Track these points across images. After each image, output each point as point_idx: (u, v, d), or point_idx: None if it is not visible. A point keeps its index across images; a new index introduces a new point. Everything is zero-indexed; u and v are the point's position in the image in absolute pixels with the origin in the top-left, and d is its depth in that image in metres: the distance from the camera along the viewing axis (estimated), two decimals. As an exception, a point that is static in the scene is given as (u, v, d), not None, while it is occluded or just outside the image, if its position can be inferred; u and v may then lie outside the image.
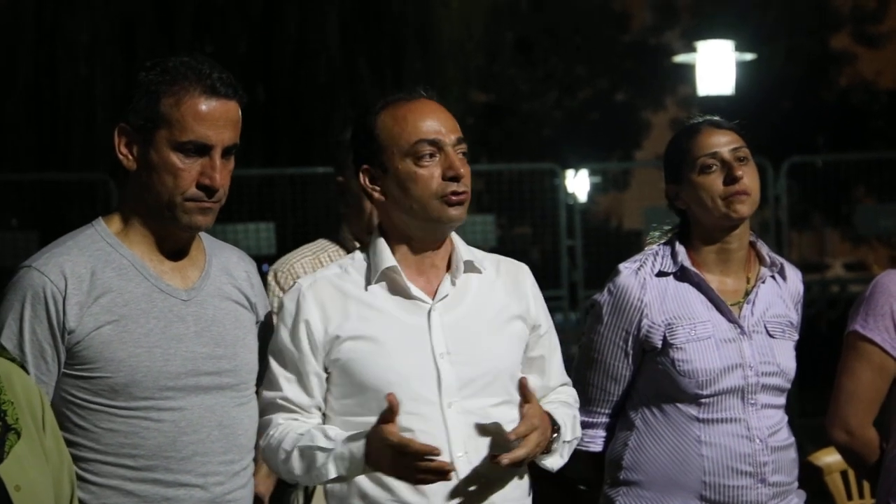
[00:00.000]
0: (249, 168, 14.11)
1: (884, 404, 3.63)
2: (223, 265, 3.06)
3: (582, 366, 3.65)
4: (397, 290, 3.04)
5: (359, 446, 2.88)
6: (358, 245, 3.88)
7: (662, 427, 3.52)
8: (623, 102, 32.55)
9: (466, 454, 2.95)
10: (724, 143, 3.53)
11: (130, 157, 2.91)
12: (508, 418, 2.97)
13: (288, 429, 3.01)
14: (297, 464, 2.97)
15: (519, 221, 16.55)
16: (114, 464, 2.86)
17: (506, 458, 2.87)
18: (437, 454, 2.81)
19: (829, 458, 4.10)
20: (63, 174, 14.21)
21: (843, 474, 4.21)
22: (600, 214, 27.71)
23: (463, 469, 2.94)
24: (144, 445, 2.87)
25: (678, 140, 3.61)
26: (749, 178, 3.51)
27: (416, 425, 2.93)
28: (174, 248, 2.97)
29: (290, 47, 16.81)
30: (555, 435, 3.04)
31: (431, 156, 3.00)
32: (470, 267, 3.10)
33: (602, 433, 3.66)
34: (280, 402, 3.04)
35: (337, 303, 3.03)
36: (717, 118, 3.62)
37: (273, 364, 3.06)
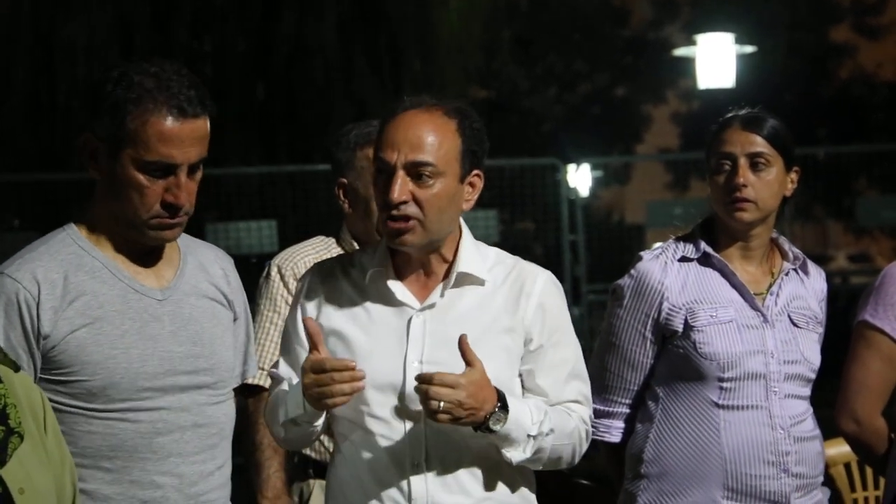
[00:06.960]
0: (249, 166, 14.10)
1: (893, 394, 3.61)
2: (199, 262, 3.04)
3: (601, 351, 3.64)
4: (386, 293, 3.02)
5: (300, 382, 2.92)
6: (357, 247, 3.84)
7: (682, 417, 3.50)
8: (623, 97, 32.52)
9: (426, 461, 2.92)
10: (742, 143, 3.47)
11: (97, 166, 2.89)
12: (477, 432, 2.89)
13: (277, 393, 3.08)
14: (273, 416, 3.04)
15: (521, 217, 16.54)
16: (91, 466, 2.84)
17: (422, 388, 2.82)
18: (352, 367, 2.82)
19: (833, 451, 4.09)
20: (62, 175, 14.17)
21: (847, 466, 4.21)
22: (602, 209, 27.67)
23: (418, 476, 2.93)
24: (122, 447, 2.85)
25: (712, 129, 3.57)
26: (757, 185, 3.46)
27: (377, 429, 2.95)
28: (148, 248, 2.95)
29: (288, 46, 16.78)
30: (494, 410, 2.86)
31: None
32: (469, 279, 3.02)
33: (619, 424, 3.63)
34: (276, 375, 3.11)
35: (333, 295, 3.05)
36: (755, 114, 3.52)
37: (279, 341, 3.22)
